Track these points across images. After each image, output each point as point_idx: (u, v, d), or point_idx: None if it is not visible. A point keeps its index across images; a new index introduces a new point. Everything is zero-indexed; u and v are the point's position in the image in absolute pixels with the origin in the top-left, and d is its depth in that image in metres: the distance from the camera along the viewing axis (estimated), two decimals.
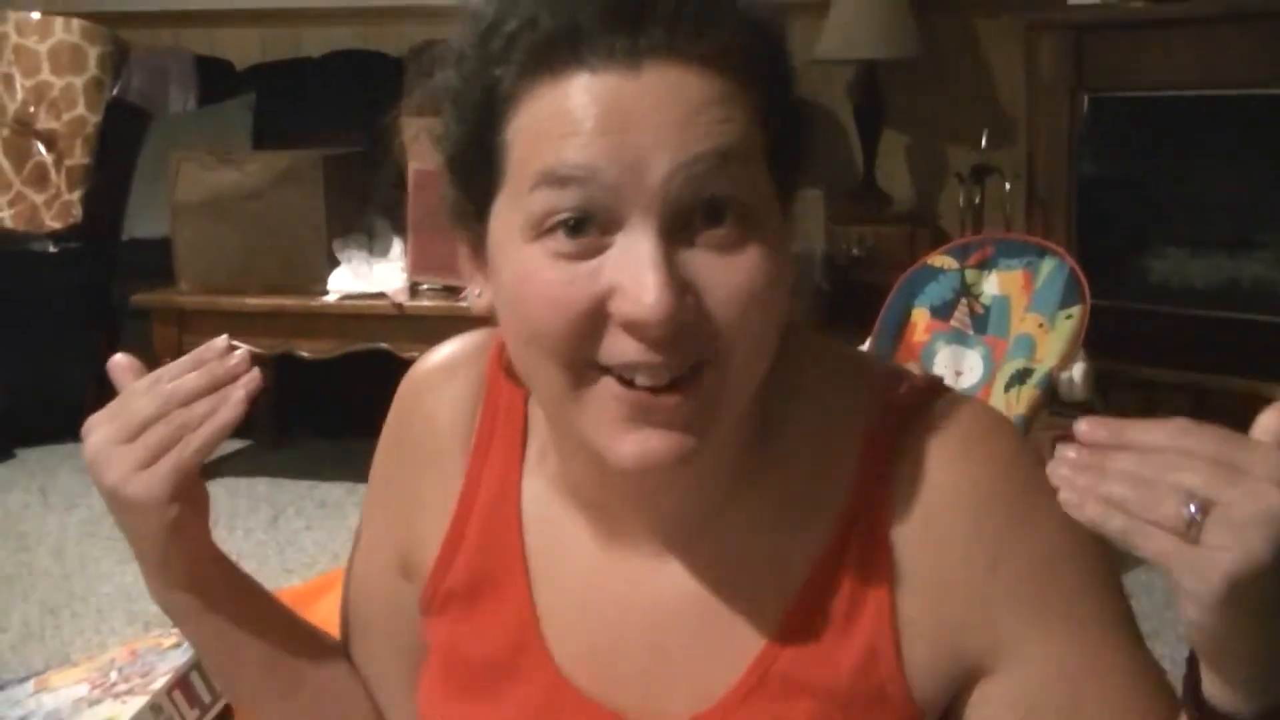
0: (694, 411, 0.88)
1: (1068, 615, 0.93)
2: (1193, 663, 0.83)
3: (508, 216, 0.89)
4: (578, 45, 0.85)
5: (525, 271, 0.87)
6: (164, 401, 0.99)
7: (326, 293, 3.88)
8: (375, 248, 3.91)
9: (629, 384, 0.87)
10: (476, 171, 0.91)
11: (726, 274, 0.85)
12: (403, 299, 3.77)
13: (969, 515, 0.93)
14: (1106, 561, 0.80)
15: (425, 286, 3.79)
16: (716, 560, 0.98)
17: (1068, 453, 0.80)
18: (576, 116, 0.84)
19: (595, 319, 0.86)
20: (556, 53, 0.86)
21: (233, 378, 0.99)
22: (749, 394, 0.91)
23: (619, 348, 0.86)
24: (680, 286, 0.84)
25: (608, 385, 0.88)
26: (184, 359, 1.01)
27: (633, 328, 0.85)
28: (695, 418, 0.88)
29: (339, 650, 1.18)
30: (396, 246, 3.91)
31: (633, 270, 0.84)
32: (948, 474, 0.94)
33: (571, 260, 0.85)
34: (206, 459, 1.01)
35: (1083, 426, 0.80)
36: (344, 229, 3.93)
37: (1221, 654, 0.80)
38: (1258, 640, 0.78)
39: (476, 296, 0.96)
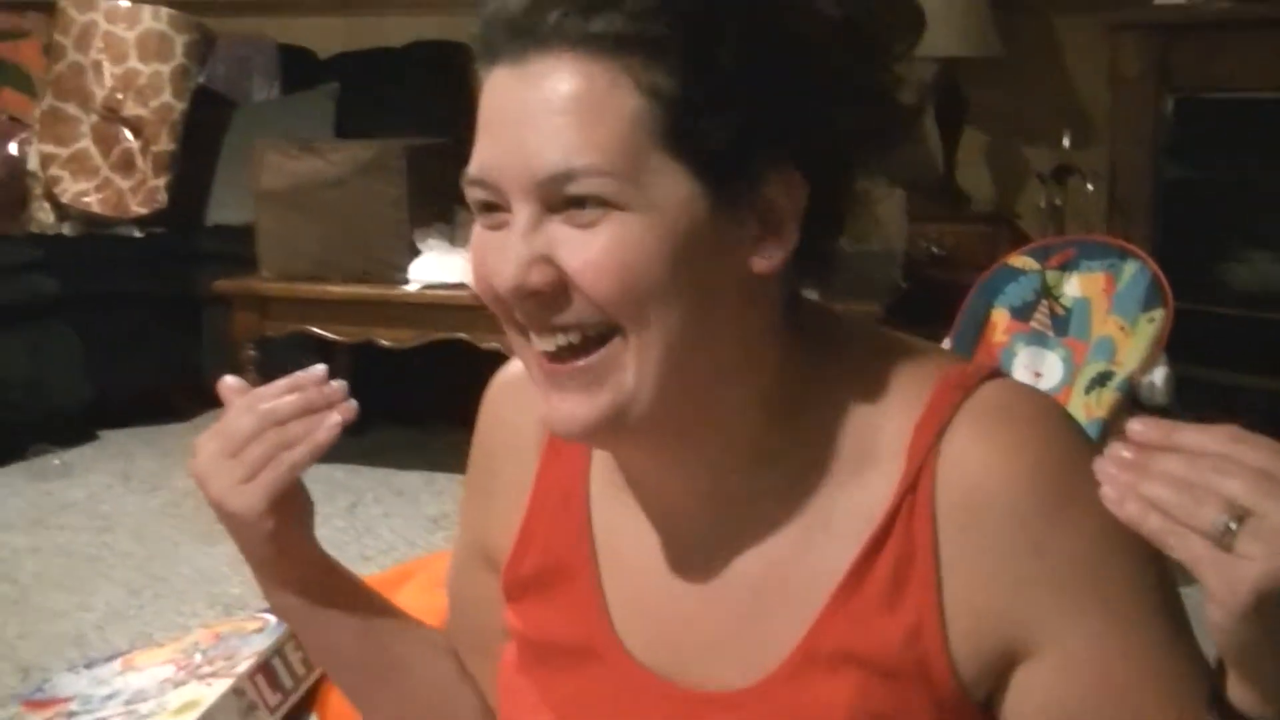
0: (595, 376, 0.95)
1: (1107, 604, 0.94)
2: (1221, 664, 0.85)
3: None
4: (496, 38, 0.94)
5: (472, 243, 0.98)
6: (263, 420, 1.05)
7: (407, 282, 3.92)
8: (456, 238, 3.94)
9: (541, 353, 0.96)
10: None
11: (581, 249, 0.92)
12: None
13: (1012, 499, 0.94)
14: (1152, 551, 0.82)
15: None
16: (763, 537, 1.02)
17: (1120, 451, 0.83)
18: (484, 116, 0.95)
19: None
20: (487, 45, 0.95)
21: (329, 404, 1.06)
22: (665, 360, 0.94)
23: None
24: (534, 261, 0.93)
25: (525, 347, 0.98)
26: (282, 381, 1.08)
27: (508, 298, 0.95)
28: (599, 382, 0.95)
29: (446, 645, 1.23)
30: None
31: (503, 248, 0.94)
32: (994, 457, 0.95)
33: (489, 231, 0.96)
34: (301, 474, 1.07)
35: (1135, 426, 0.83)
36: (426, 219, 3.96)
37: (1246, 661, 0.82)
38: None
39: None
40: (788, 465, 1.01)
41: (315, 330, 4.04)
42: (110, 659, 2.74)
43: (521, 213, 0.93)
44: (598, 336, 0.94)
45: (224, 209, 4.85)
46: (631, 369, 0.94)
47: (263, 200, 4.06)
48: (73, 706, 2.54)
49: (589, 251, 0.92)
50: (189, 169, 4.96)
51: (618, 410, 0.95)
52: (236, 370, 3.99)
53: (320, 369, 1.09)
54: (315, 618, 1.16)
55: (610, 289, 0.92)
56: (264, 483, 1.05)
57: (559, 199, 0.92)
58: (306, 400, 1.06)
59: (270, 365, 4.04)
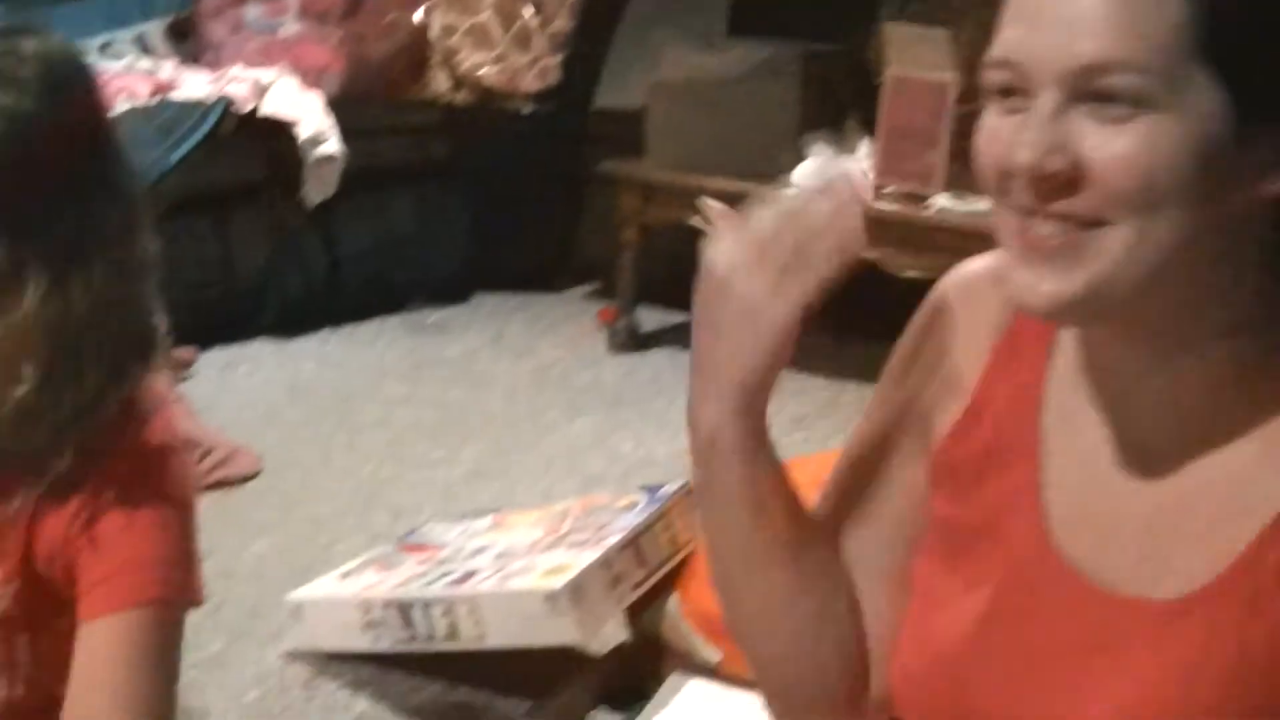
0: (1077, 257, 0.96)
1: None
2: None
3: None
4: None
5: (982, 124, 1.01)
6: (796, 230, 1.10)
7: (790, 185, 3.93)
8: (844, 146, 3.94)
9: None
10: None
11: (1106, 143, 0.93)
12: (866, 200, 3.78)
13: None
14: None
15: (889, 190, 3.81)
16: (1218, 452, 1.01)
17: None
18: (1014, 6, 0.98)
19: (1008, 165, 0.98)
20: None
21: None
22: (1153, 259, 0.95)
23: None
24: (1053, 148, 0.94)
25: (1011, 222, 0.99)
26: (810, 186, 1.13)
27: (1013, 176, 0.97)
28: (1079, 263, 0.96)
29: (830, 537, 1.20)
30: (863, 149, 3.93)
31: (1022, 129, 0.96)
32: None
33: (1003, 115, 0.99)
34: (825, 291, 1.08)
35: None
36: (815, 124, 3.97)
37: None
38: None
39: None
40: (1253, 392, 1.01)
41: (696, 222, 4.09)
42: (481, 515, 2.87)
43: (1047, 99, 0.95)
44: (1091, 223, 0.96)
45: (612, 93, 4.94)
46: (1118, 258, 0.95)
47: (657, 90, 4.13)
48: (444, 554, 2.66)
49: (1115, 147, 0.93)
50: (581, 51, 5.06)
51: (1091, 292, 0.96)
52: (614, 251, 4.11)
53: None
54: (743, 462, 1.12)
55: (1130, 186, 0.93)
56: (795, 291, 1.07)
57: (1087, 91, 0.94)
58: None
59: (649, 248, 4.13)
